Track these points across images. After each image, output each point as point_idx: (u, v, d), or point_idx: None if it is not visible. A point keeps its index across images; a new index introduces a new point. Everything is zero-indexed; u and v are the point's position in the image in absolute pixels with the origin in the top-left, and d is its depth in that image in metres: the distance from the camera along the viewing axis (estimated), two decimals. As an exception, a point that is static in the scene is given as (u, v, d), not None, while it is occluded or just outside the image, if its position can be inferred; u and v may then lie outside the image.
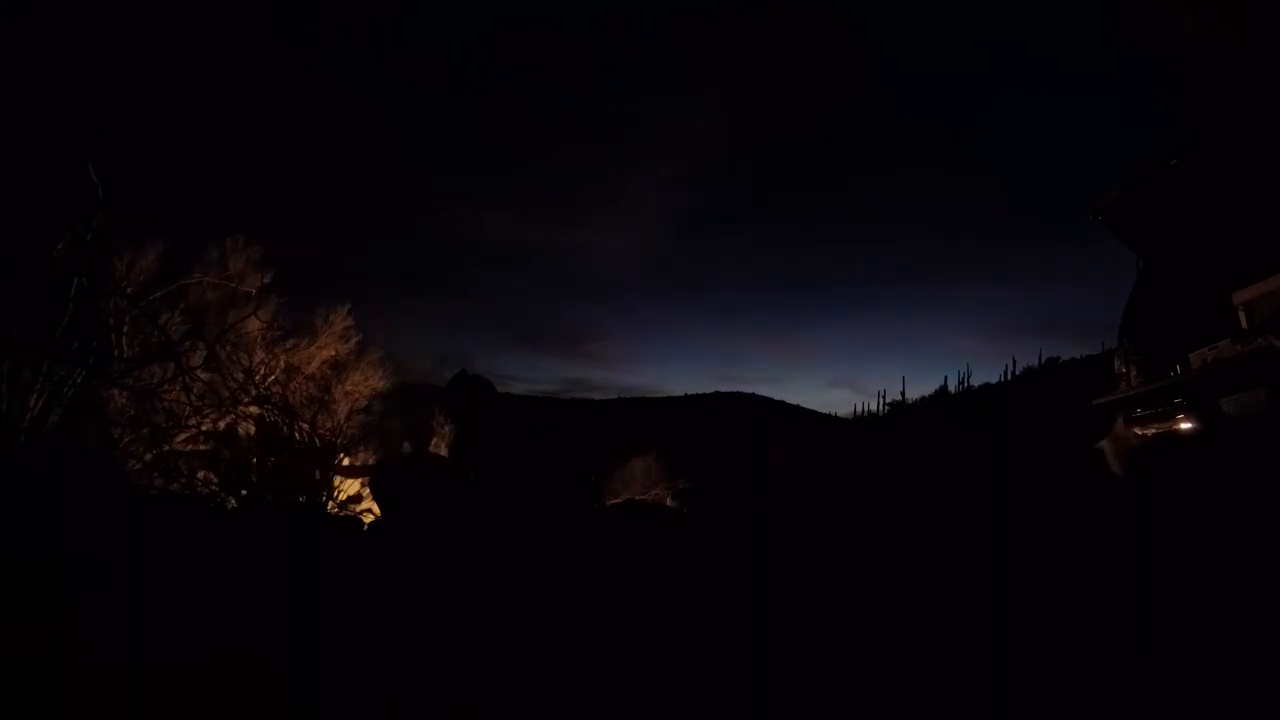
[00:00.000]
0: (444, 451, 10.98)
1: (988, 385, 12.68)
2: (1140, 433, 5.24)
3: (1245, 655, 2.19)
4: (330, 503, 8.37)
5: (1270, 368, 4.32)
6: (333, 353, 8.97)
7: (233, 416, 7.59)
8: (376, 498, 8.51)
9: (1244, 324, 4.97)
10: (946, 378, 13.01)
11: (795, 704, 2.14)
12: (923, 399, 13.35)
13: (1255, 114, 4.89)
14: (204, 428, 7.36)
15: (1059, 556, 4.20)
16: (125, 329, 6.92)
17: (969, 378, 12.88)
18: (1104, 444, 5.60)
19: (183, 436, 7.21)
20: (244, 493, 7.25)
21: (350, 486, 8.95)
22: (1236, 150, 5.05)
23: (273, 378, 8.17)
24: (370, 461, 9.10)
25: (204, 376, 7.35)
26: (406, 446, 9.32)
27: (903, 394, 13.53)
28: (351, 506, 8.74)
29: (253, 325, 7.93)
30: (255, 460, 7.61)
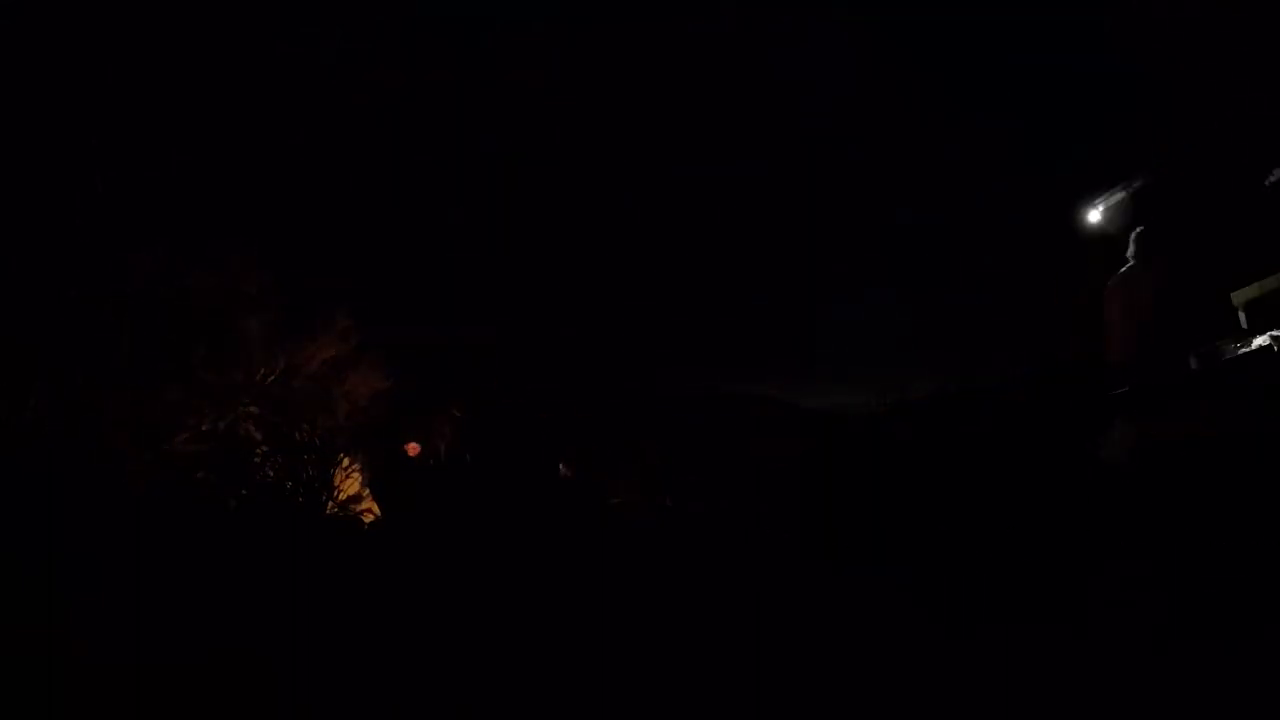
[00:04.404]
0: (444, 451, 10.99)
1: (988, 384, 12.64)
2: (1140, 433, 5.23)
3: (1245, 655, 2.19)
4: (330, 503, 8.38)
5: (1270, 368, 4.32)
6: (333, 353, 8.97)
7: (233, 416, 7.59)
8: (376, 498, 8.52)
9: (1244, 324, 4.97)
10: (946, 377, 12.97)
11: (795, 704, 2.14)
12: (922, 398, 13.32)
13: (1256, 114, 4.89)
14: (204, 428, 7.36)
15: (1062, 554, 4.19)
16: (125, 329, 6.91)
17: (969, 377, 12.84)
18: (1104, 443, 5.60)
19: (183, 436, 7.21)
20: (244, 493, 7.25)
21: (350, 486, 8.96)
22: (1237, 151, 5.05)
23: (273, 378, 8.17)
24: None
25: (204, 376, 7.35)
26: (410, 446, 9.32)
27: (903, 393, 13.50)
28: (352, 506, 8.74)
29: (253, 325, 7.94)
30: (259, 460, 7.63)
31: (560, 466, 9.31)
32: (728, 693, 2.25)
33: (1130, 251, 4.99)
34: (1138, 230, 5.20)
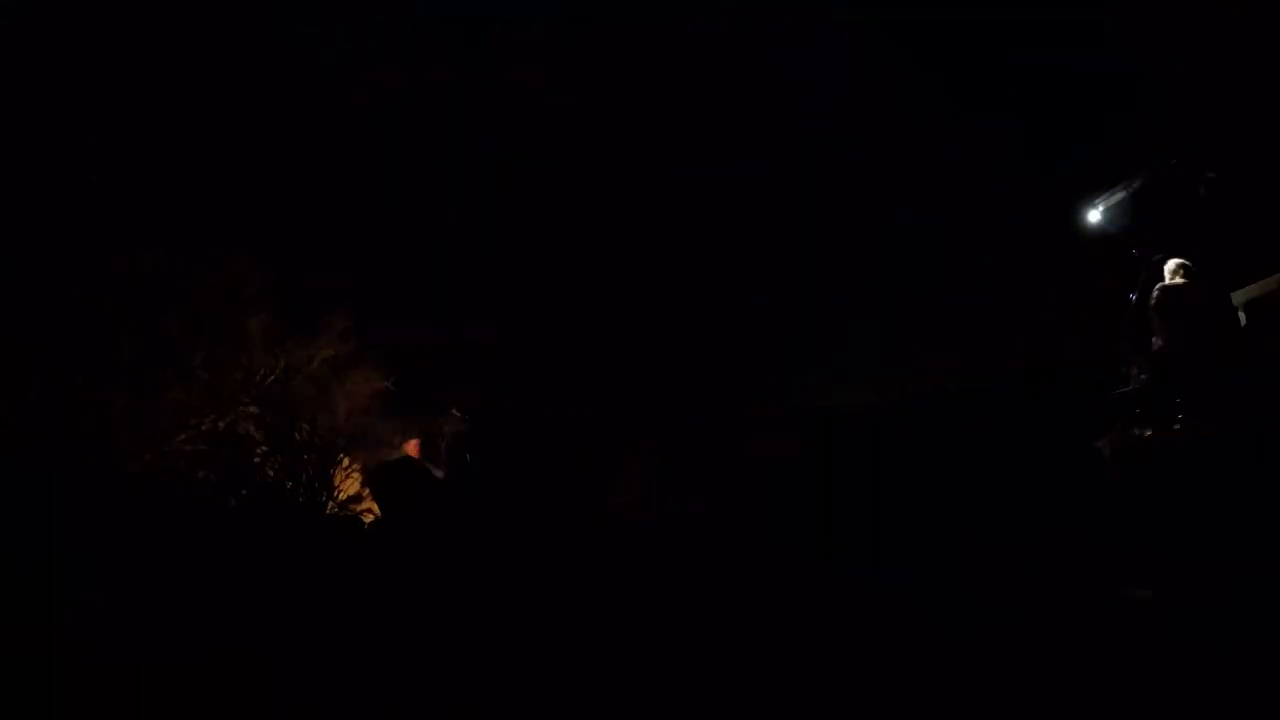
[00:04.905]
0: (444, 451, 10.98)
1: (988, 384, 12.63)
2: (1140, 433, 5.24)
3: (1245, 657, 2.19)
4: (330, 503, 8.37)
5: (1269, 368, 4.33)
6: (333, 353, 8.96)
7: (233, 416, 7.60)
8: (376, 498, 8.52)
9: (1244, 324, 4.97)
10: (946, 376, 12.96)
11: (796, 704, 2.14)
12: (922, 398, 13.31)
13: (1256, 113, 4.89)
14: (204, 428, 7.36)
15: (1063, 553, 4.19)
16: (125, 329, 6.91)
17: (969, 377, 12.83)
18: (1104, 444, 5.60)
19: (183, 436, 7.21)
20: (244, 493, 7.25)
21: (350, 486, 8.96)
22: (1236, 149, 5.05)
23: (273, 378, 8.17)
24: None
25: (204, 376, 7.35)
26: (409, 446, 9.32)
27: (903, 393, 13.49)
28: (352, 506, 8.74)
29: (253, 325, 7.94)
30: (259, 460, 7.63)
31: (562, 464, 9.24)
32: (729, 692, 2.25)
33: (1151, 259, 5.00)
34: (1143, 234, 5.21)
